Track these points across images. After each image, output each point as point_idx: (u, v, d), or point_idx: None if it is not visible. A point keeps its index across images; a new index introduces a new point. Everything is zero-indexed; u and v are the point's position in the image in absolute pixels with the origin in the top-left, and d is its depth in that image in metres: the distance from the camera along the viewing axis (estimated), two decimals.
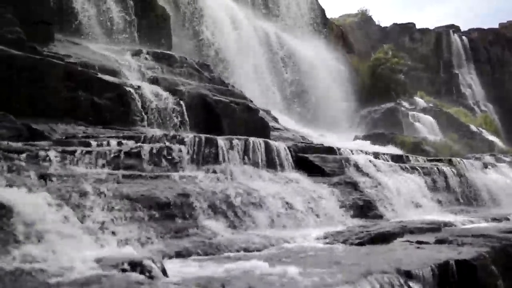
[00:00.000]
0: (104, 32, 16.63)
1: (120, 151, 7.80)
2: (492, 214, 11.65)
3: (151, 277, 4.46)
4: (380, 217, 9.72)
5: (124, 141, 8.52)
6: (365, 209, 9.78)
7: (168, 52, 16.71)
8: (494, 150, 32.94)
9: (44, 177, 6.28)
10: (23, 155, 6.55)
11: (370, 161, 11.82)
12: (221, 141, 9.28)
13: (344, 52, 39.01)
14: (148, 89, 12.24)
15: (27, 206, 5.13)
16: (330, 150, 12.00)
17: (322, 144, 13.71)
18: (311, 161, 10.83)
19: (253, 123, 13.72)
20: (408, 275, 5.09)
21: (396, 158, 13.82)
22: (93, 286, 3.99)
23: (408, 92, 42.19)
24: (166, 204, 6.81)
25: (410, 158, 14.55)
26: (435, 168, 13.48)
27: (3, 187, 5.56)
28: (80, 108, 10.51)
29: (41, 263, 4.37)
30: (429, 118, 36.91)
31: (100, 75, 11.44)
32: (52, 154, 6.91)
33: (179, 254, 5.86)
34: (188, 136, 9.11)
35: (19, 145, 7.07)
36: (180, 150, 8.52)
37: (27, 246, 4.66)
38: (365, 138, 26.55)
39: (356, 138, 26.73)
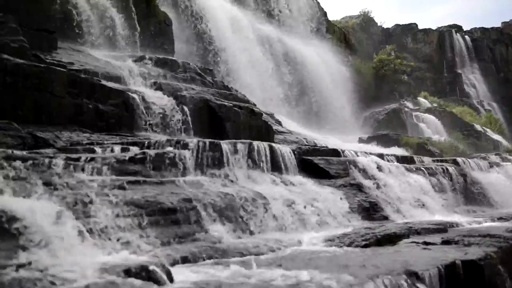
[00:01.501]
0: (107, 38, 16.69)
1: (124, 157, 7.82)
2: (498, 213, 11.60)
3: (156, 283, 4.46)
4: (386, 218, 9.69)
5: (128, 147, 8.54)
6: (370, 210, 9.76)
7: (170, 57, 16.77)
8: (499, 150, 32.83)
9: (48, 184, 6.30)
10: (28, 163, 6.56)
11: (375, 162, 11.81)
12: (225, 145, 9.29)
13: (347, 54, 38.98)
14: (152, 95, 12.28)
15: (32, 214, 5.14)
16: (335, 152, 12.00)
17: (327, 146, 13.72)
18: (315, 163, 10.82)
19: (256, 126, 13.74)
20: (415, 276, 5.07)
21: (401, 159, 13.81)
22: None
23: (411, 93, 42.12)
24: (171, 210, 6.81)
25: (415, 158, 14.52)
26: (440, 169, 13.46)
27: (8, 195, 5.58)
28: (84, 115, 10.56)
29: (45, 271, 4.37)
30: (433, 118, 36.79)
31: (103, 82, 11.49)
32: (56, 161, 6.92)
33: (185, 259, 5.84)
34: (192, 141, 9.11)
35: (23, 153, 7.09)
36: (184, 155, 8.53)
37: (32, 254, 4.66)
38: (369, 139, 26.47)
39: (360, 139, 26.65)
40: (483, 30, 61.89)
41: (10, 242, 4.74)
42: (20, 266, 4.44)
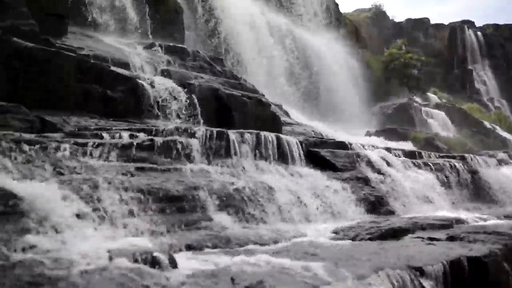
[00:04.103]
0: (117, 25, 16.68)
1: (132, 143, 7.83)
2: (505, 211, 11.55)
3: (161, 269, 4.47)
4: (392, 212, 9.67)
5: (136, 134, 8.55)
6: (376, 204, 9.74)
7: (180, 45, 16.74)
8: (507, 147, 32.62)
9: (56, 168, 6.32)
10: (36, 147, 6.60)
11: (382, 156, 11.77)
12: (232, 134, 9.28)
13: (357, 47, 38.76)
14: (160, 82, 12.26)
15: (39, 198, 5.17)
16: (342, 145, 11.97)
17: (334, 139, 13.68)
18: (322, 156, 10.80)
19: (264, 117, 13.68)
20: (419, 271, 5.07)
21: (408, 154, 13.77)
22: (103, 277, 4.01)
23: (421, 88, 41.86)
24: (177, 197, 6.83)
25: (423, 154, 14.46)
26: (448, 165, 13.40)
27: (15, 179, 5.60)
28: (92, 100, 10.53)
29: (52, 254, 4.40)
30: (442, 114, 36.60)
31: (112, 68, 11.47)
32: (64, 146, 6.95)
33: (189, 247, 5.86)
34: (200, 129, 9.12)
35: (31, 136, 7.11)
36: (191, 144, 8.53)
37: (38, 237, 4.69)
38: (378, 133, 26.40)
39: (368, 133, 26.59)
40: (496, 26, 61.28)
41: (16, 225, 4.78)
42: (25, 249, 4.48)
